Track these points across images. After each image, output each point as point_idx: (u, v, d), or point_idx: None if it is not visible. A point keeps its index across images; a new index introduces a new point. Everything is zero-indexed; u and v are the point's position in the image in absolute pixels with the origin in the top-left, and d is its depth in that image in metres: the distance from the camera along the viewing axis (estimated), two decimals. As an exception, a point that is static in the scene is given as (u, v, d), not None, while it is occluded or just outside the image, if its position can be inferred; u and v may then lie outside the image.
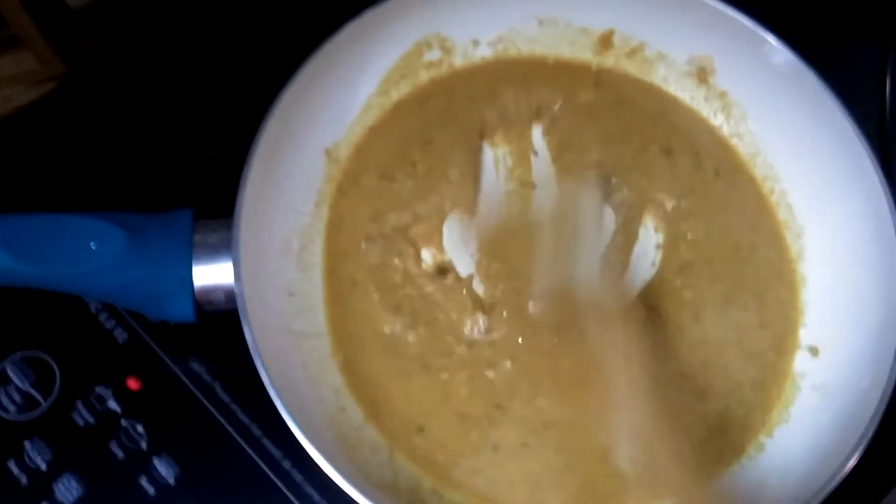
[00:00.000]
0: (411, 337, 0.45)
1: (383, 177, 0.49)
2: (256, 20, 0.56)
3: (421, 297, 0.46)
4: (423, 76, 0.51)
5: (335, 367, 0.45)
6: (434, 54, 0.51)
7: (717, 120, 0.51)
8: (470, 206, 0.48)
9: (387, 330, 0.45)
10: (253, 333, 0.39)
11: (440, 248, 0.47)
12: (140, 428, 0.45)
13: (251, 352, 0.39)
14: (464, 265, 0.47)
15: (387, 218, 0.48)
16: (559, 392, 0.44)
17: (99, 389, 0.45)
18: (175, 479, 0.44)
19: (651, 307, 0.47)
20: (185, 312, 0.42)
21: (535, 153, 0.50)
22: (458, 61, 0.52)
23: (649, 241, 0.49)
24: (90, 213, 0.42)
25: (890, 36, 0.57)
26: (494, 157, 0.50)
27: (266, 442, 0.45)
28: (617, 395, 0.43)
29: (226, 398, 0.46)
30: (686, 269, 0.48)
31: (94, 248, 0.41)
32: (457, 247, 0.47)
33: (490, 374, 0.45)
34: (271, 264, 0.45)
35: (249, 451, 0.45)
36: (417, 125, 0.50)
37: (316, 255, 0.47)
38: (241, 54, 0.55)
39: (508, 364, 0.45)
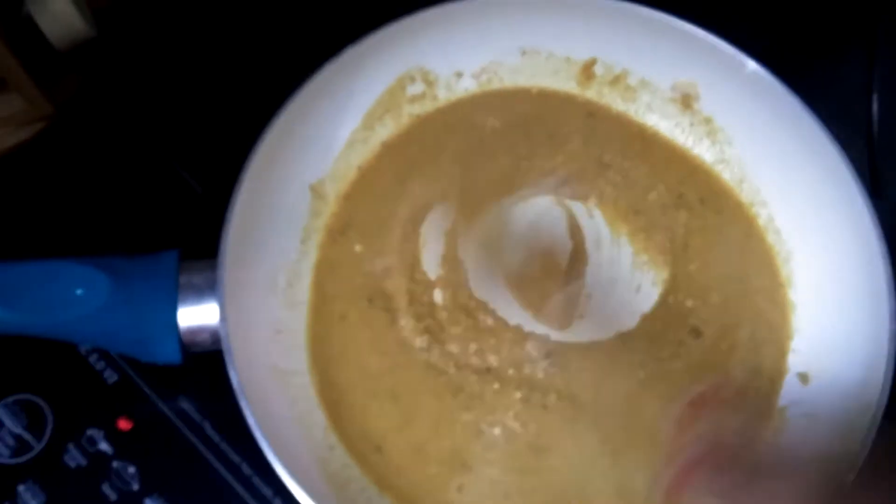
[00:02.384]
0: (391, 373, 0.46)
1: (375, 226, 0.49)
2: (240, 59, 0.56)
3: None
4: (407, 110, 0.51)
5: (321, 405, 0.45)
6: (417, 88, 0.51)
7: (703, 146, 0.52)
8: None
9: (372, 367, 0.46)
10: (239, 376, 0.39)
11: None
12: (132, 469, 0.45)
13: (237, 395, 0.39)
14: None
15: (377, 272, 0.48)
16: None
17: (90, 431, 0.45)
18: (167, 520, 0.44)
19: (652, 337, 0.47)
20: (171, 355, 0.43)
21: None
22: (442, 94, 0.52)
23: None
24: (75, 258, 0.42)
25: (875, 53, 0.57)
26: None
27: (256, 480, 0.45)
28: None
29: (215, 437, 0.46)
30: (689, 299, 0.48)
31: (79, 294, 0.41)
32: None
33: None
34: (258, 303, 0.45)
35: (240, 490, 0.45)
36: (408, 171, 0.50)
37: (302, 292, 0.47)
38: (227, 91, 0.55)
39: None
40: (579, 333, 0.47)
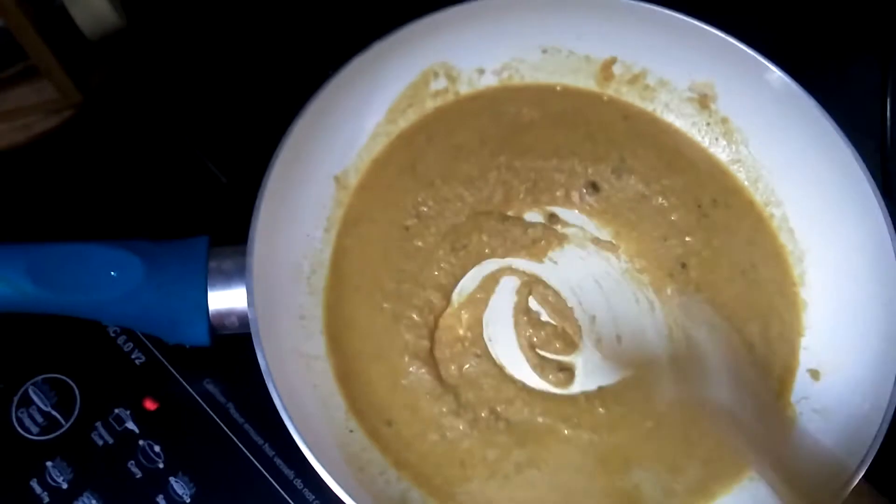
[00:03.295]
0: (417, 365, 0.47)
1: (390, 223, 0.50)
2: (269, 51, 0.57)
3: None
4: (430, 104, 0.53)
5: (339, 389, 0.46)
6: (440, 83, 0.52)
7: (719, 146, 0.52)
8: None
9: (384, 347, 0.47)
10: (266, 358, 0.41)
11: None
12: (157, 448, 0.46)
13: (265, 376, 0.40)
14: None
15: (398, 270, 0.49)
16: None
17: (118, 410, 0.47)
18: (191, 498, 0.45)
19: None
20: (200, 337, 0.44)
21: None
22: (464, 89, 0.53)
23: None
24: (110, 241, 0.43)
25: (889, 56, 0.58)
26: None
27: (278, 461, 0.46)
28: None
29: (239, 418, 0.47)
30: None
31: (114, 275, 0.42)
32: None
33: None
34: (283, 289, 0.46)
35: (262, 470, 0.46)
36: (422, 169, 0.51)
37: (324, 279, 0.49)
38: (254, 83, 0.56)
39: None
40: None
